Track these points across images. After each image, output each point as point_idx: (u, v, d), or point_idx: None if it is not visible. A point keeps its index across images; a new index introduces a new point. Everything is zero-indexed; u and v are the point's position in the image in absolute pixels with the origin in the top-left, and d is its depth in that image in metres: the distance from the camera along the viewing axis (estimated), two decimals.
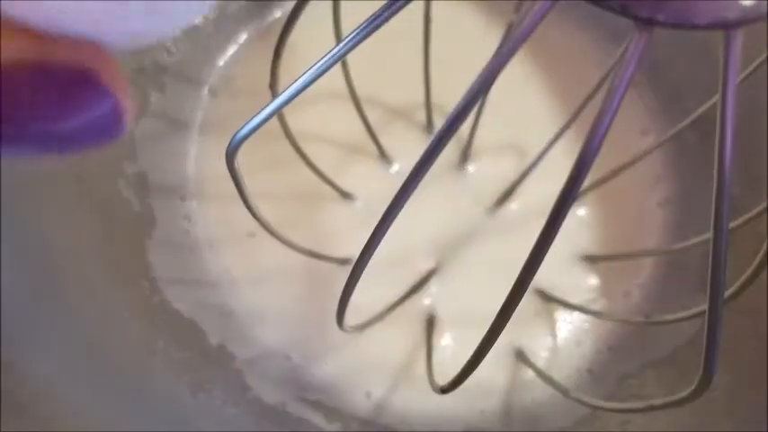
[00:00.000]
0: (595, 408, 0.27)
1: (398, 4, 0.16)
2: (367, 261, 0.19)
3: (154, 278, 0.28)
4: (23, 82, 0.11)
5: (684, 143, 0.33)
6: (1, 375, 0.20)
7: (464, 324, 0.32)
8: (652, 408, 0.20)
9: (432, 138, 0.34)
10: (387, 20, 0.16)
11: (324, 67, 0.17)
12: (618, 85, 0.13)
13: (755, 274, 0.19)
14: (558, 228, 0.14)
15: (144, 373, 0.24)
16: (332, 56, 0.16)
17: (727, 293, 0.19)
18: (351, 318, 0.23)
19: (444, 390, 0.23)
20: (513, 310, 0.17)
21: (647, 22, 0.12)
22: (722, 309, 0.15)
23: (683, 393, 0.18)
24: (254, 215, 0.22)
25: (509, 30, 0.30)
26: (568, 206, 0.14)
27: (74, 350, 0.23)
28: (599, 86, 0.29)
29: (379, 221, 0.18)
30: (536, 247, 0.15)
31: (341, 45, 0.16)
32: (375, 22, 0.16)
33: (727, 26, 0.13)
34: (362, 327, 0.28)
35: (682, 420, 0.26)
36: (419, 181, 0.17)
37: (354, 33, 0.16)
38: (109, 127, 0.12)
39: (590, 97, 0.29)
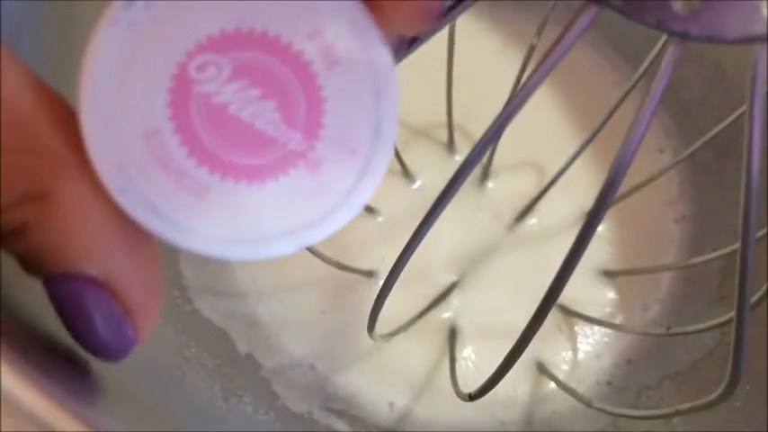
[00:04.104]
0: (619, 416, 0.27)
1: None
2: (397, 277, 0.20)
3: (185, 287, 0.29)
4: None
5: (700, 162, 0.34)
6: None
7: (485, 336, 0.32)
8: (678, 412, 0.21)
9: (460, 154, 0.35)
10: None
11: None
12: (653, 94, 0.14)
13: None
14: (595, 229, 0.15)
15: (180, 377, 0.25)
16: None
17: (754, 298, 0.19)
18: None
19: (473, 396, 0.23)
20: (547, 313, 0.17)
21: (682, 36, 0.13)
22: (749, 307, 0.16)
23: (711, 396, 0.19)
24: None
25: (530, 52, 0.31)
26: (605, 209, 0.15)
27: None
28: (617, 106, 0.30)
29: (411, 238, 0.19)
30: (569, 255, 0.16)
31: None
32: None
33: (754, 40, 0.14)
34: (390, 336, 0.29)
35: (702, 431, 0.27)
36: (453, 195, 0.18)
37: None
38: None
39: (609, 117, 0.30)
